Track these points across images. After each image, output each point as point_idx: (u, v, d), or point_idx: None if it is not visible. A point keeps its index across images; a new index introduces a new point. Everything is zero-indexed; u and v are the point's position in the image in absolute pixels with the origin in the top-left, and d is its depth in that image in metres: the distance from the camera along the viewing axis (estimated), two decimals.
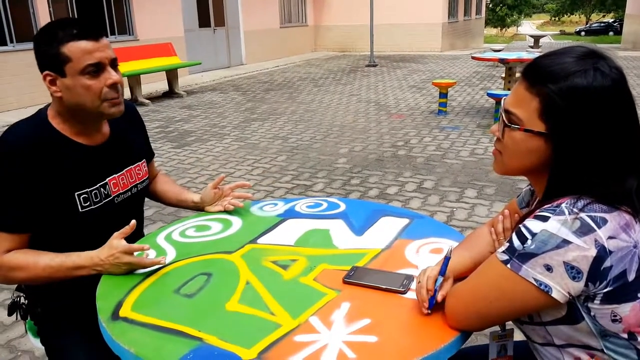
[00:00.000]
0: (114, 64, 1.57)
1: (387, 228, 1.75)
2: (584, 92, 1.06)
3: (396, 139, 6.88)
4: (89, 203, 1.62)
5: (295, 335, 1.18)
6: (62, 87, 1.53)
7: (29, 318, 1.77)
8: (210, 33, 15.20)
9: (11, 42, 9.87)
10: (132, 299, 1.36)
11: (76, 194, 1.60)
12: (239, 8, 16.25)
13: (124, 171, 1.74)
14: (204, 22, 14.92)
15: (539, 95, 1.10)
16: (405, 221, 1.80)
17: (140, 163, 1.82)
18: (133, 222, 1.48)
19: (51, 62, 1.51)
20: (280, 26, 18.49)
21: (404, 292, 1.33)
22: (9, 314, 1.77)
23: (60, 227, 1.60)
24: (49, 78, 1.54)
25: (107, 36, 1.58)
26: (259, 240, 1.68)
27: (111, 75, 1.54)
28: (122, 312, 1.29)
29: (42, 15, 10.25)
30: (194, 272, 1.48)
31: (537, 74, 1.11)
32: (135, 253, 1.47)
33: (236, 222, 1.84)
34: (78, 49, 1.49)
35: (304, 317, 1.25)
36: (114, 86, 1.55)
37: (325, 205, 1.97)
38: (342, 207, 1.95)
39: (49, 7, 10.38)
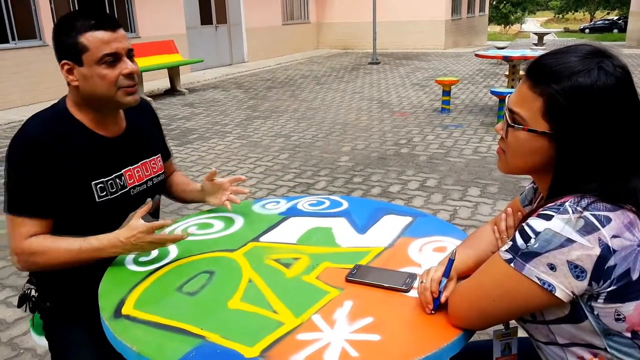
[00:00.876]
0: (130, 54, 1.61)
1: (390, 226, 1.74)
2: (587, 92, 1.05)
3: (399, 137, 6.87)
4: (105, 193, 1.65)
5: (297, 334, 1.18)
6: (79, 76, 1.57)
7: (36, 312, 1.78)
8: (212, 30, 15.19)
9: (13, 39, 9.87)
10: (134, 296, 1.36)
11: (92, 183, 1.63)
12: (241, 5, 16.24)
13: (139, 164, 1.77)
14: (206, 19, 14.91)
15: (542, 95, 1.09)
16: (408, 219, 1.80)
17: (155, 157, 1.84)
18: (149, 200, 1.50)
19: (69, 51, 1.55)
20: (282, 23, 18.47)
21: (406, 291, 1.33)
22: (19, 306, 1.79)
23: (79, 216, 1.63)
24: (66, 67, 1.57)
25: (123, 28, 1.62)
26: (261, 239, 1.68)
27: (127, 65, 1.58)
28: (125, 310, 1.29)
29: (44, 13, 10.25)
30: (196, 270, 1.48)
31: (541, 73, 1.11)
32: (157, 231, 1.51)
33: (238, 220, 1.84)
34: (96, 38, 1.53)
35: (306, 315, 1.24)
36: (130, 75, 1.59)
37: (327, 203, 1.97)
38: (345, 205, 1.94)
39: (51, 4, 10.39)
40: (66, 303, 1.70)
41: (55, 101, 1.69)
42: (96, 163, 1.64)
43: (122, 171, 1.71)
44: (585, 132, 1.06)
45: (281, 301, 1.31)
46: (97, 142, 1.65)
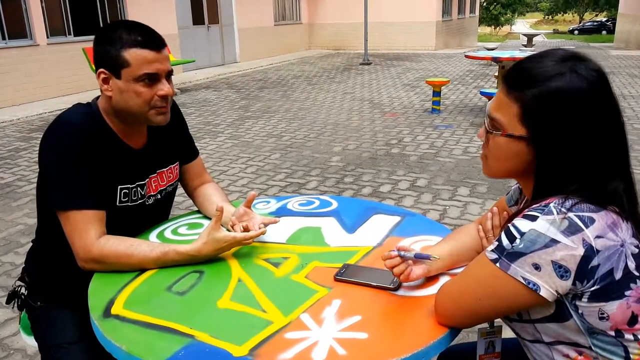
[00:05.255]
0: (169, 76, 1.59)
1: (378, 226, 1.76)
2: (560, 96, 1.07)
3: (390, 137, 6.89)
4: (127, 199, 1.65)
5: (286, 332, 1.19)
6: (115, 87, 1.55)
7: (24, 311, 1.78)
8: (204, 31, 15.16)
9: (3, 38, 9.81)
10: (124, 296, 1.36)
11: (119, 187, 1.63)
12: (233, 5, 16.21)
13: (156, 174, 1.75)
14: (197, 19, 14.87)
15: (518, 100, 1.11)
16: (397, 219, 1.81)
17: (172, 166, 1.82)
18: (220, 206, 1.49)
19: (110, 62, 1.53)
20: (274, 24, 18.45)
21: (394, 289, 1.34)
22: (7, 302, 1.78)
23: None
24: (102, 76, 1.56)
25: (167, 49, 1.60)
26: None
27: (164, 87, 1.56)
28: (114, 310, 1.30)
29: (35, 12, 10.19)
30: (185, 269, 1.49)
31: (517, 78, 1.13)
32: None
33: None
34: (139, 56, 1.51)
35: (295, 314, 1.25)
36: (165, 97, 1.58)
37: (317, 203, 1.98)
38: (334, 205, 1.96)
39: (42, 3, 10.33)
40: (58, 303, 1.69)
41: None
42: (122, 170, 1.63)
43: (146, 181, 1.70)
44: (561, 135, 1.08)
45: (270, 300, 1.32)
46: (123, 150, 1.64)
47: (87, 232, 1.49)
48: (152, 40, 1.54)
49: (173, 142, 1.82)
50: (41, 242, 1.75)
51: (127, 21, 1.59)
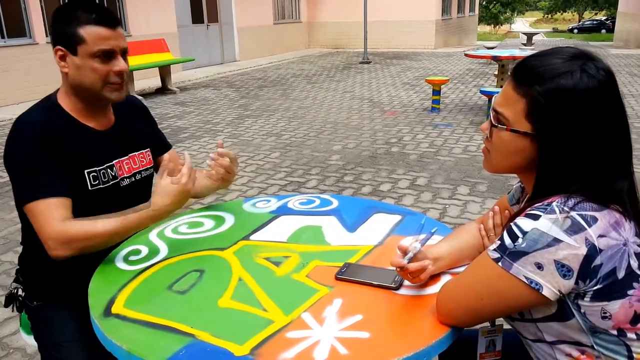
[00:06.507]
0: (124, 53, 1.64)
1: (379, 225, 1.75)
2: (569, 94, 1.06)
3: (389, 136, 6.89)
4: (97, 182, 1.68)
5: (287, 332, 1.18)
6: (71, 64, 1.60)
7: (23, 311, 1.78)
8: (203, 29, 15.15)
9: (2, 37, 9.80)
10: (124, 295, 1.36)
11: (86, 171, 1.65)
12: (233, 4, 16.19)
13: (127, 157, 1.79)
14: (197, 18, 14.86)
15: (525, 95, 1.11)
16: (398, 218, 1.81)
17: (144, 151, 1.86)
18: (186, 155, 1.54)
19: (66, 39, 1.58)
20: (273, 22, 18.43)
21: (396, 288, 1.34)
22: (5, 306, 1.79)
23: (73, 204, 1.62)
24: (59, 53, 1.61)
25: (122, 27, 1.66)
26: (251, 237, 1.68)
27: (119, 63, 1.62)
28: (115, 309, 1.29)
29: (34, 11, 10.17)
30: (186, 268, 1.49)
31: (525, 74, 1.12)
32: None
33: (229, 218, 1.84)
34: (95, 33, 1.57)
35: (296, 313, 1.25)
36: (120, 73, 1.63)
37: (318, 202, 1.98)
38: (335, 203, 1.95)
39: (41, 2, 10.30)
40: (54, 301, 1.70)
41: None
42: (87, 153, 1.66)
43: (114, 162, 1.73)
44: (567, 133, 1.07)
45: (271, 299, 1.32)
46: (88, 134, 1.67)
47: (50, 218, 1.51)
48: (107, 17, 1.60)
49: (141, 128, 1.87)
50: (26, 243, 1.78)
51: (83, 0, 1.64)
